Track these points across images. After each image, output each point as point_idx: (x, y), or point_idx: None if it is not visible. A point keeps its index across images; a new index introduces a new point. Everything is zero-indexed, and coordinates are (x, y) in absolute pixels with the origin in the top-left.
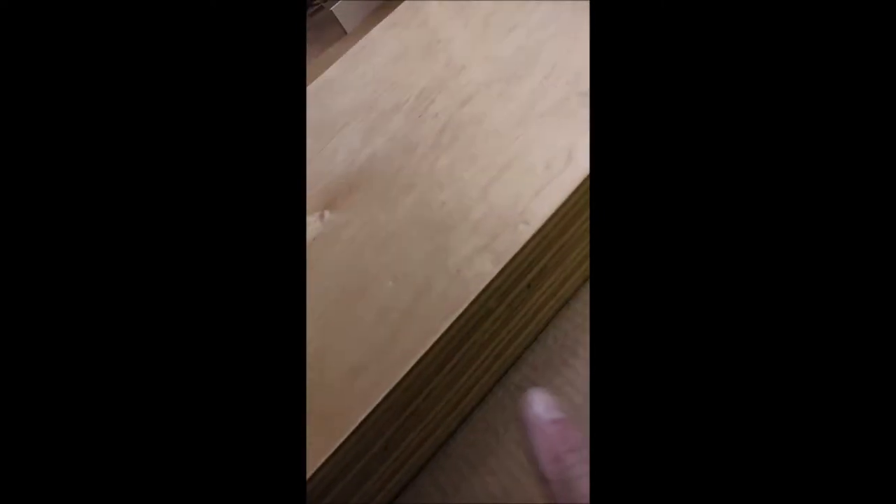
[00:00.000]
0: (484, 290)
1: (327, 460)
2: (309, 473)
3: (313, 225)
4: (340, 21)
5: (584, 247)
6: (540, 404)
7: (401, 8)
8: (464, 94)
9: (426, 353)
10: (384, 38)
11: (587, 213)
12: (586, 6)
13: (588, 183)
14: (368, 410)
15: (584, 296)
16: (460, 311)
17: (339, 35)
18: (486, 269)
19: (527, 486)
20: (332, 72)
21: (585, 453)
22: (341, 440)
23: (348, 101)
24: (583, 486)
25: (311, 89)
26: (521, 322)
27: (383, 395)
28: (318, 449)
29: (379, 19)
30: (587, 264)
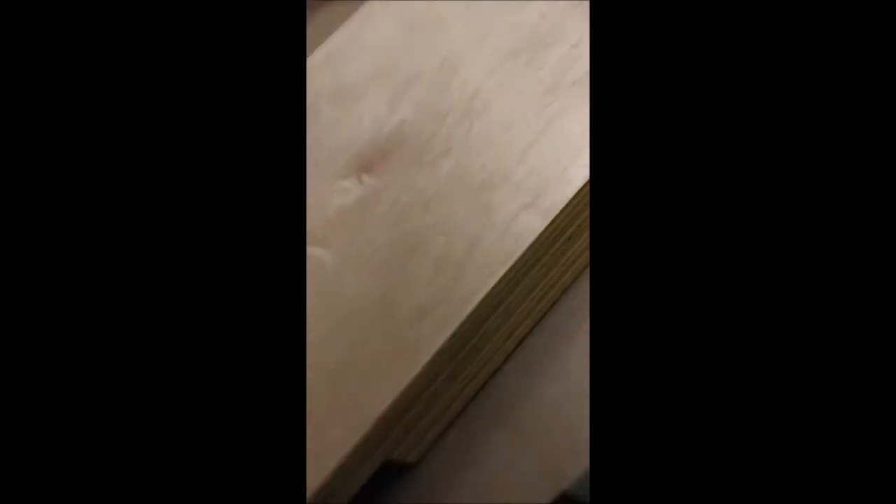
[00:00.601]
0: (533, 244)
1: (403, 391)
2: (391, 400)
3: (353, 188)
4: None
5: None
6: None
7: None
8: (490, 62)
9: (484, 297)
10: (393, 3)
11: None
12: None
13: None
14: (438, 347)
15: None
16: (513, 260)
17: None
18: (534, 223)
19: (565, 409)
20: (340, 36)
21: None
22: (415, 372)
23: (365, 68)
24: None
25: (321, 56)
26: (560, 270)
27: (449, 333)
28: (397, 379)
29: None
30: None
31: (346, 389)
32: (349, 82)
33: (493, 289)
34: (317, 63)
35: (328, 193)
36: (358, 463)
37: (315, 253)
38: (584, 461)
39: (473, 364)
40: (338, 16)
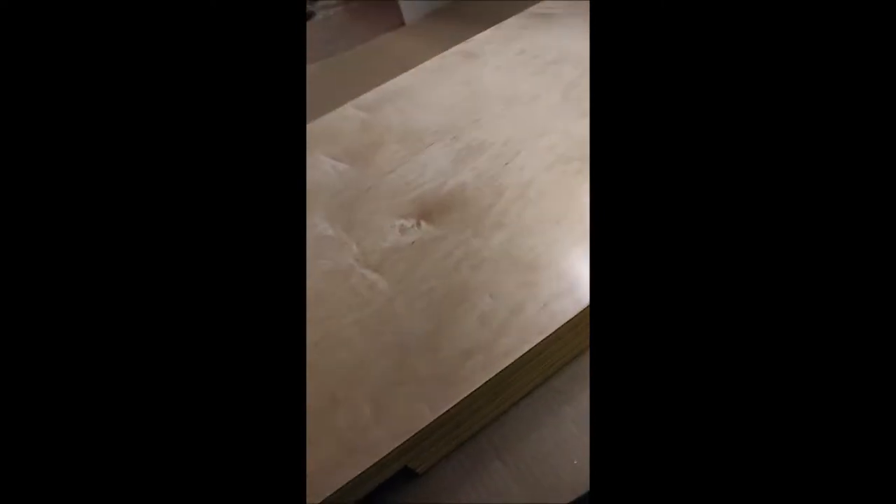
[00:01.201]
0: (564, 324)
1: (439, 416)
2: (429, 422)
3: (412, 230)
4: (402, 10)
5: None
6: None
7: (490, 40)
8: (547, 158)
9: (523, 355)
10: (467, 67)
11: None
12: None
13: None
14: (475, 387)
15: None
16: (548, 333)
17: (396, 24)
18: (568, 308)
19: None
20: (409, 80)
21: None
22: (452, 404)
23: (432, 120)
24: None
25: (390, 90)
26: (574, 344)
27: (488, 377)
28: (436, 404)
29: (442, 19)
30: None
31: (391, 403)
32: (418, 128)
33: (528, 352)
34: (387, 96)
35: (388, 228)
36: (389, 462)
37: (370, 276)
38: (563, 499)
39: (493, 404)
40: (400, 49)
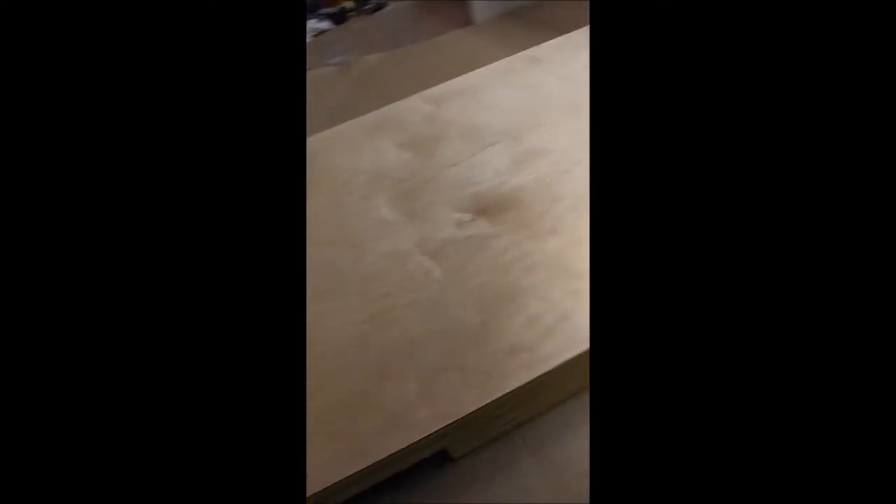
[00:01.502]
0: None
1: (486, 405)
2: (473, 409)
3: (467, 224)
4: (473, 10)
5: None
6: None
7: (559, 49)
8: None
9: (566, 361)
10: (534, 72)
11: None
12: None
13: None
14: (519, 384)
15: None
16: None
17: (465, 22)
18: None
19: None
20: (476, 79)
21: None
22: (496, 395)
23: (494, 120)
24: None
25: (456, 87)
26: None
27: (531, 377)
28: (481, 394)
29: (511, 21)
30: None
31: (438, 385)
32: (480, 126)
33: (570, 359)
34: (452, 93)
35: (445, 219)
36: (430, 441)
37: (425, 263)
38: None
39: (531, 402)
40: (467, 47)
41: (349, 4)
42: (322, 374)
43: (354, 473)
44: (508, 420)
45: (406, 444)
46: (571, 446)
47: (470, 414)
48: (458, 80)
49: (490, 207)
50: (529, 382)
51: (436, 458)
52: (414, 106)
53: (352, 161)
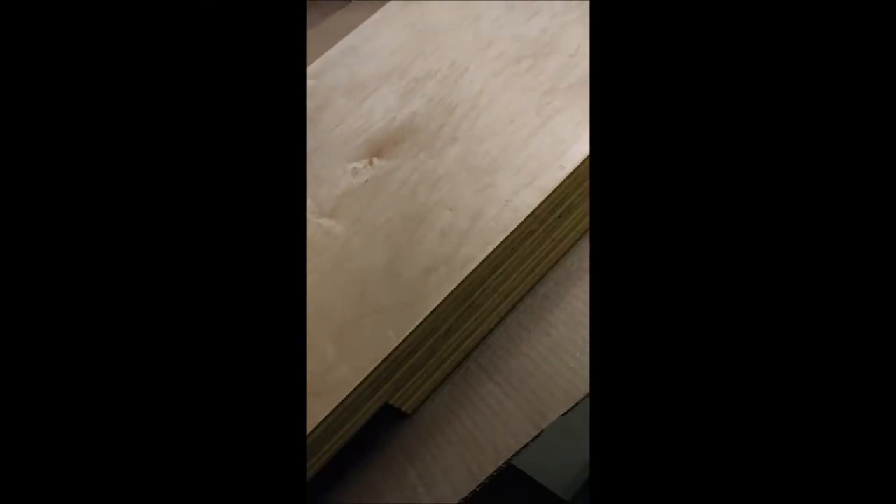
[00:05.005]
0: (528, 217)
1: (406, 338)
2: (394, 346)
3: (363, 170)
4: None
5: None
6: None
7: None
8: (495, 66)
9: (484, 259)
10: (406, 11)
11: None
12: None
13: None
14: (439, 301)
15: None
16: (511, 229)
17: (343, 3)
18: (531, 200)
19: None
20: (353, 39)
21: None
22: (418, 322)
23: (376, 67)
24: None
25: (335, 54)
26: (551, 244)
27: (450, 290)
28: (400, 327)
29: None
30: None
31: (354, 337)
32: (362, 79)
33: (491, 254)
34: (331, 60)
35: (340, 175)
36: (361, 400)
37: (324, 224)
38: (561, 406)
39: (471, 321)
40: (347, 21)
41: None
42: None
43: None
44: (450, 352)
45: (328, 411)
46: (531, 352)
47: (394, 354)
48: (334, 47)
49: (385, 146)
50: (452, 296)
51: (388, 416)
52: None
53: None
